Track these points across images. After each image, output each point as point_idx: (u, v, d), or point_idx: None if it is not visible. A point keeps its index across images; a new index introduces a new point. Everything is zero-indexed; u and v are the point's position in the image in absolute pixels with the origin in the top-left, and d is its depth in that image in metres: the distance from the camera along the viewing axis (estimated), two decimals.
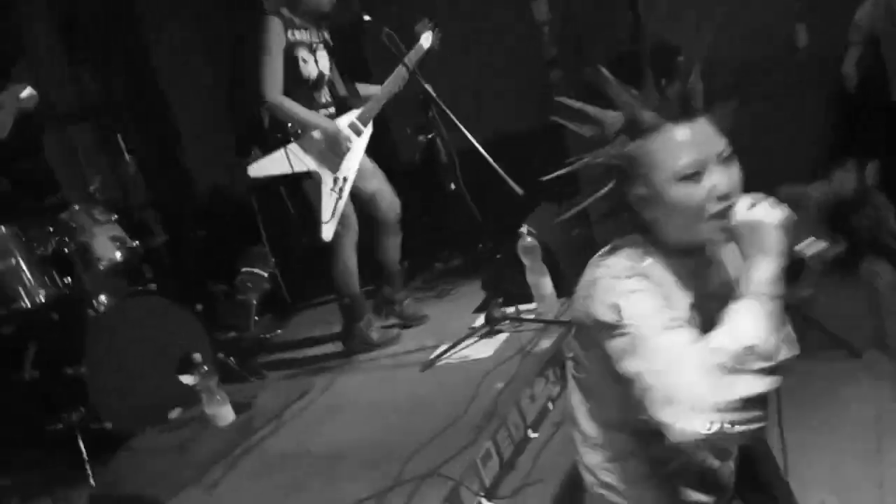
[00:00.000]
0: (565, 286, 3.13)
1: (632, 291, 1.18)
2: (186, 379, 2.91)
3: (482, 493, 2.06)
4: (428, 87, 3.07)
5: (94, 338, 2.87)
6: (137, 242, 3.25)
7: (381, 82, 3.16)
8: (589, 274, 1.27)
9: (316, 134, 3.03)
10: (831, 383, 1.66)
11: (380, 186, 3.21)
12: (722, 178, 1.18)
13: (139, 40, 4.81)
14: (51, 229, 3.03)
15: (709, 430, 1.04)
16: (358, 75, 3.30)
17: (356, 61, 4.01)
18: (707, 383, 1.06)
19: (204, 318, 3.31)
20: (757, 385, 1.06)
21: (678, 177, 1.18)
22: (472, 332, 3.00)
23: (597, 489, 1.39)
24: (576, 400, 1.40)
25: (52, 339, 2.99)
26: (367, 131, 3.12)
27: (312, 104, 3.07)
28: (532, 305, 3.09)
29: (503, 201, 2.97)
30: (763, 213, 1.13)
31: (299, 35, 3.03)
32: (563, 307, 2.99)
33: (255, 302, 3.87)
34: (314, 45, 3.10)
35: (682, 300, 1.24)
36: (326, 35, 3.20)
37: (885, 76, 3.07)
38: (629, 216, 1.28)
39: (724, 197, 1.17)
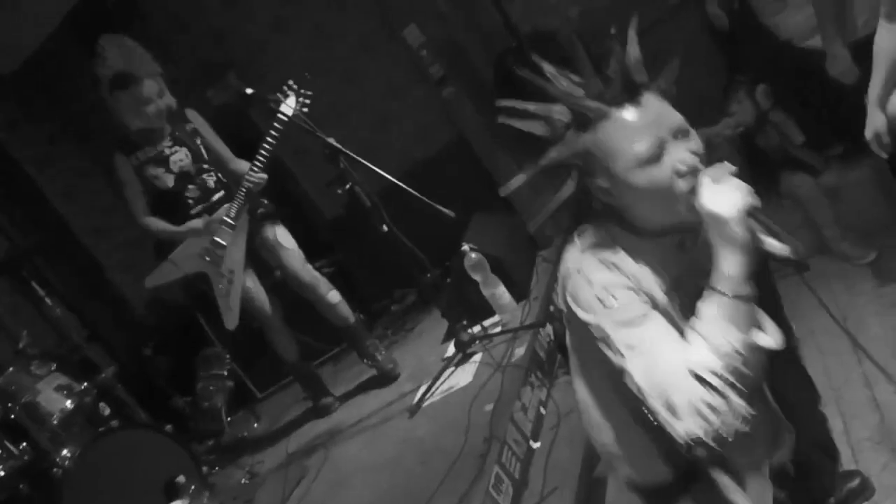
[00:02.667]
0: (521, 288, 3.14)
1: (604, 287, 1.15)
2: None
3: None
4: (331, 141, 3.04)
5: (68, 496, 2.72)
6: (86, 384, 3.11)
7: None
8: (563, 267, 1.24)
9: (190, 242, 3.18)
10: (792, 301, 1.69)
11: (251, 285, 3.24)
12: (683, 153, 1.11)
13: (30, 183, 4.67)
14: None
15: (707, 434, 1.04)
16: (254, 145, 3.27)
17: (250, 130, 3.98)
18: (689, 387, 1.05)
19: (177, 435, 3.18)
20: (739, 389, 1.04)
21: (638, 163, 1.11)
22: (447, 363, 2.97)
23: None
24: (579, 385, 1.37)
25: None
26: (242, 221, 3.17)
27: (182, 208, 3.20)
28: (495, 318, 3.08)
29: (437, 225, 2.97)
30: (723, 205, 1.06)
31: (142, 155, 3.18)
32: (524, 310, 2.99)
33: (222, 404, 3.76)
34: (163, 154, 3.19)
35: (658, 286, 1.20)
36: (178, 132, 3.21)
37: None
38: (599, 206, 1.22)
39: (689, 172, 1.11)
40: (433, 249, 3.20)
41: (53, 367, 3.14)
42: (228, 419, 3.79)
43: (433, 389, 2.83)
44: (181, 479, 2.75)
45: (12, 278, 4.06)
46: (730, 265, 1.07)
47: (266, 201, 3.29)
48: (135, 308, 4.82)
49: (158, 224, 3.19)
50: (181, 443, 3.09)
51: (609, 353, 1.17)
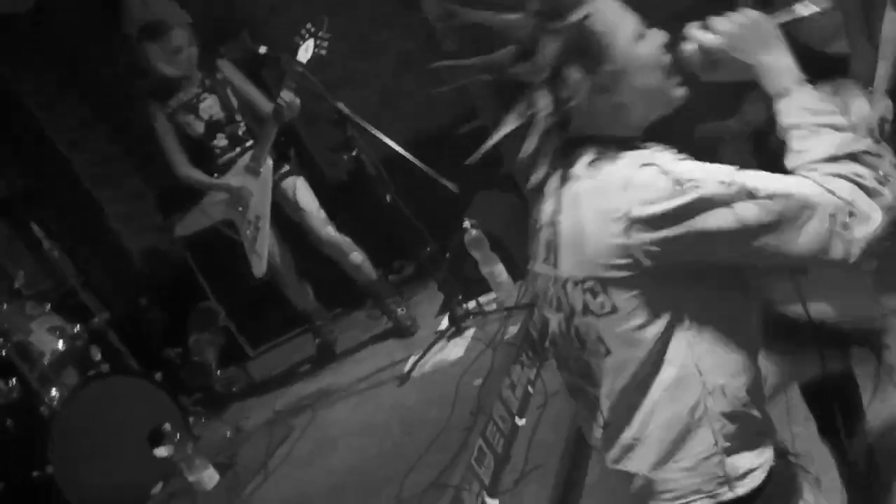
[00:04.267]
0: (519, 268, 3.14)
1: (678, 160, 1.01)
2: (161, 451, 2.81)
3: (485, 492, 2.04)
4: (340, 106, 3.03)
5: (54, 435, 2.74)
6: (79, 327, 3.12)
7: None
8: (594, 202, 1.02)
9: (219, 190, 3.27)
10: None
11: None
12: (658, 32, 1.09)
13: (33, 123, 4.64)
14: None
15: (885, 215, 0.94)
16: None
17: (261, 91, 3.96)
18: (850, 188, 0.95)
19: (166, 385, 3.21)
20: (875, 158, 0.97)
21: (637, 36, 1.06)
22: (440, 335, 2.98)
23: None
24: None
25: (10, 448, 2.84)
26: (267, 168, 3.18)
27: (209, 156, 3.27)
28: (491, 295, 3.09)
29: (440, 200, 2.96)
30: (740, 17, 1.04)
31: (174, 101, 3.24)
32: (521, 290, 3.00)
33: (213, 359, 3.78)
34: (193, 101, 3.25)
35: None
36: (209, 80, 3.24)
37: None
38: (576, 125, 1.06)
39: (667, 46, 1.08)
40: (434, 224, 3.21)
41: (48, 308, 3.16)
42: (218, 373, 3.81)
43: (424, 360, 2.85)
44: (167, 426, 2.77)
45: (12, 219, 4.07)
46: (784, 60, 1.04)
47: (291, 152, 3.35)
48: (133, 258, 4.82)
49: (198, 175, 3.26)
50: (169, 392, 3.12)
51: (753, 223, 0.95)
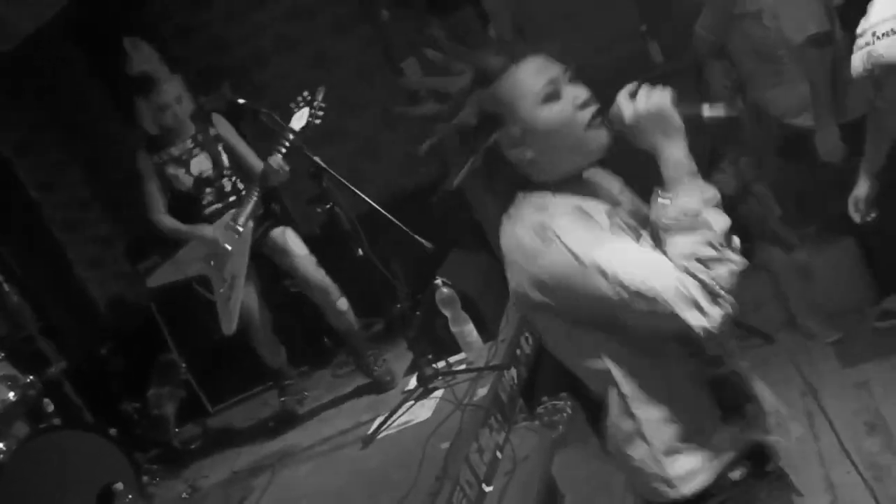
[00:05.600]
0: (489, 329, 3.12)
1: (566, 218, 1.19)
2: None
3: None
4: (316, 159, 3.04)
5: (0, 489, 2.60)
6: (32, 377, 3.01)
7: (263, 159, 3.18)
8: (510, 244, 1.24)
9: (195, 245, 3.22)
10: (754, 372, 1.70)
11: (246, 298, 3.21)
12: (577, 89, 1.24)
13: (4, 163, 4.58)
14: None
15: (728, 310, 1.09)
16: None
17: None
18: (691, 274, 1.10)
19: (120, 440, 3.08)
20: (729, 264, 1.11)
21: (541, 98, 1.22)
22: (407, 395, 2.92)
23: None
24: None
25: None
26: (247, 229, 3.17)
27: (197, 209, 3.25)
28: (461, 355, 3.05)
29: (412, 257, 2.95)
30: (660, 101, 1.16)
31: (166, 154, 3.25)
32: (491, 351, 2.97)
33: (171, 413, 3.66)
34: (184, 156, 3.26)
35: (601, 214, 1.24)
36: (201, 136, 3.28)
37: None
38: (507, 174, 1.27)
39: (586, 104, 1.22)
40: (406, 281, 3.19)
41: (1, 356, 3.04)
42: (176, 430, 3.69)
43: (390, 421, 2.78)
44: (119, 486, 2.65)
45: None
46: (678, 151, 1.16)
47: (276, 206, 3.36)
48: (98, 306, 4.71)
49: (170, 222, 3.25)
50: (123, 449, 3.00)
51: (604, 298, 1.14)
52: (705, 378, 1.23)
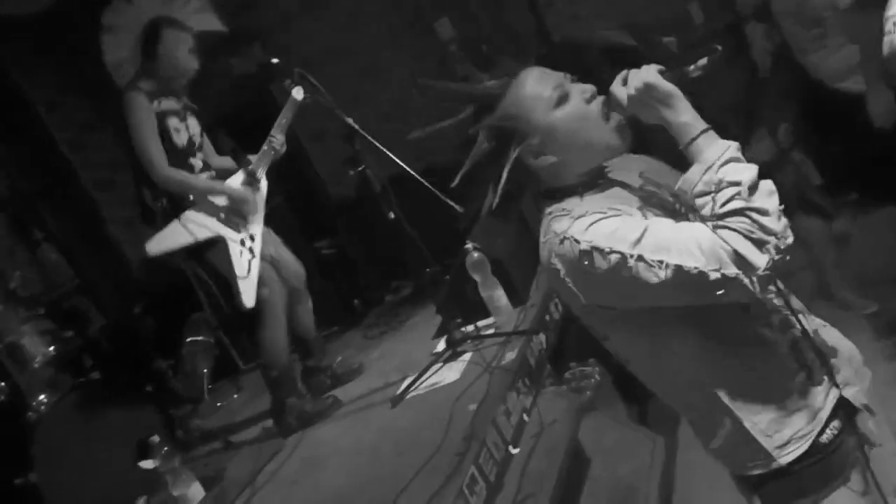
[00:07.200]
0: (519, 294, 3.12)
1: (595, 223, 1.17)
2: (147, 464, 2.76)
3: None
4: (349, 121, 3.03)
5: (40, 441, 2.70)
6: (72, 332, 3.09)
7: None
8: (555, 268, 1.21)
9: (215, 198, 2.90)
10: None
11: (278, 251, 3.08)
12: (581, 86, 1.26)
13: (38, 123, 4.64)
14: None
15: (774, 254, 1.08)
16: (271, 119, 3.25)
17: (269, 105, 3.96)
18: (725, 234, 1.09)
19: (156, 397, 3.17)
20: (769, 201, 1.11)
21: (553, 103, 1.24)
22: (436, 358, 2.94)
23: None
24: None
25: None
26: (264, 185, 3.03)
27: (187, 171, 2.92)
28: (490, 320, 3.06)
29: (443, 222, 2.94)
30: (644, 75, 1.18)
31: (166, 104, 2.91)
32: (520, 316, 2.97)
33: (205, 371, 3.74)
34: (183, 113, 2.98)
35: (632, 205, 1.24)
36: (189, 101, 3.06)
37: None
38: (531, 185, 1.30)
39: (594, 96, 1.25)
40: (437, 245, 3.19)
41: (42, 311, 3.12)
42: (209, 387, 3.77)
43: (419, 382, 2.81)
44: (155, 438, 2.73)
45: (11, 219, 4.06)
46: (683, 115, 1.17)
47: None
48: (131, 265, 4.79)
49: (187, 177, 2.85)
50: (158, 404, 3.08)
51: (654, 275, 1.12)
52: (785, 344, 1.24)
